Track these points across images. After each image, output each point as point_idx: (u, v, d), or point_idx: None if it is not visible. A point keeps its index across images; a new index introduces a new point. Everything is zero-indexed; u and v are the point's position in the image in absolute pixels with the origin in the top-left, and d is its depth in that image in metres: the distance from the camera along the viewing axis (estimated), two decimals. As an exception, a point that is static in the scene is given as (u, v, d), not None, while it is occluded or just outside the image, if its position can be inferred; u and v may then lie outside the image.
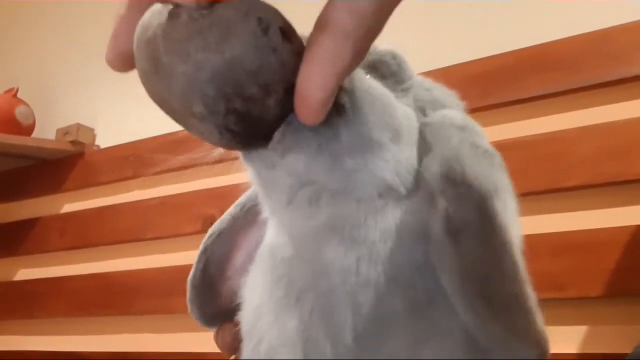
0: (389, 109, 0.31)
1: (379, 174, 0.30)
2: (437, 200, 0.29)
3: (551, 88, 0.89)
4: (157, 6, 0.25)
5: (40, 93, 1.57)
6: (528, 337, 0.27)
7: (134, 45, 0.26)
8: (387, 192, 0.31)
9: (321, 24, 0.24)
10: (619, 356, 0.70)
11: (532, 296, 0.28)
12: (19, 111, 1.44)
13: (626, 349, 0.63)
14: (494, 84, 0.92)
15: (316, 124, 0.25)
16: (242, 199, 0.42)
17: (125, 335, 1.28)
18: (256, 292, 0.35)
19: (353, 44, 0.23)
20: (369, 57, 0.33)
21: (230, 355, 0.39)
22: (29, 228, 1.46)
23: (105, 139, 1.46)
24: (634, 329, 0.77)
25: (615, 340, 0.79)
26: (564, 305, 0.81)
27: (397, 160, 0.31)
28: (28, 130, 1.46)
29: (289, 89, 0.25)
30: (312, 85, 0.24)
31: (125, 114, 1.40)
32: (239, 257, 0.41)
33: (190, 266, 0.42)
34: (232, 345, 0.39)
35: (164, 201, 1.27)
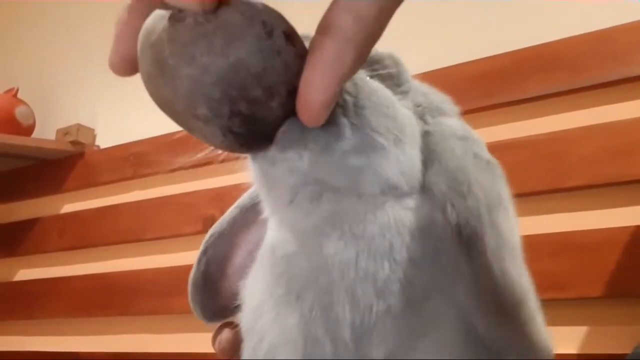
0: (392, 109, 0.31)
1: (383, 174, 0.30)
2: (447, 213, 0.30)
3: (552, 88, 0.89)
4: (159, 11, 0.25)
5: (41, 93, 1.57)
6: (533, 344, 0.28)
7: (138, 49, 0.26)
8: (390, 190, 0.31)
9: (324, 28, 0.24)
10: (619, 356, 0.70)
11: (536, 304, 0.30)
12: (19, 111, 1.44)
13: (626, 349, 0.64)
14: (494, 84, 0.92)
15: (318, 126, 0.26)
16: (241, 199, 0.42)
17: (125, 335, 1.28)
18: (256, 291, 0.35)
19: (355, 47, 0.24)
20: (368, 60, 0.33)
21: (227, 358, 0.40)
22: (29, 228, 1.46)
23: (105, 139, 1.46)
24: (634, 330, 0.77)
25: (616, 341, 0.79)
26: (564, 306, 0.81)
27: (401, 160, 0.31)
28: (28, 130, 1.46)
29: (292, 91, 0.25)
30: (315, 88, 0.24)
31: (126, 114, 1.40)
32: (239, 257, 0.42)
33: (190, 266, 0.42)
34: (229, 349, 0.39)
35: (164, 201, 1.27)
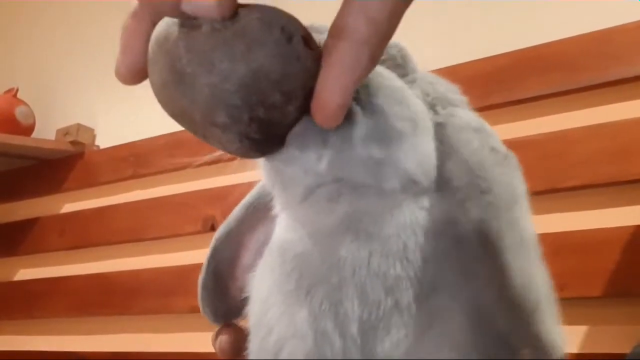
0: (405, 99, 0.31)
1: (401, 165, 0.30)
2: (468, 209, 0.30)
3: (551, 88, 0.89)
4: (169, 18, 0.25)
5: (40, 93, 1.57)
6: (546, 343, 0.29)
7: (150, 58, 0.25)
8: (410, 185, 0.31)
9: (338, 31, 0.24)
10: (619, 356, 0.70)
11: (552, 302, 0.31)
12: (19, 111, 1.44)
13: (626, 348, 0.64)
14: (494, 84, 0.92)
15: (333, 127, 0.26)
16: (247, 198, 0.42)
17: (125, 335, 1.28)
18: (264, 286, 0.35)
19: (369, 50, 0.24)
20: None
21: (227, 359, 0.40)
22: (29, 228, 1.46)
23: (105, 139, 1.46)
24: (634, 329, 0.77)
25: (615, 340, 0.79)
26: (563, 305, 0.80)
27: (418, 151, 0.31)
28: (28, 130, 1.46)
29: (308, 94, 0.25)
30: (331, 91, 0.25)
31: (125, 114, 1.40)
32: (247, 257, 0.41)
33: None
34: (229, 350, 0.39)
35: (163, 201, 1.27)
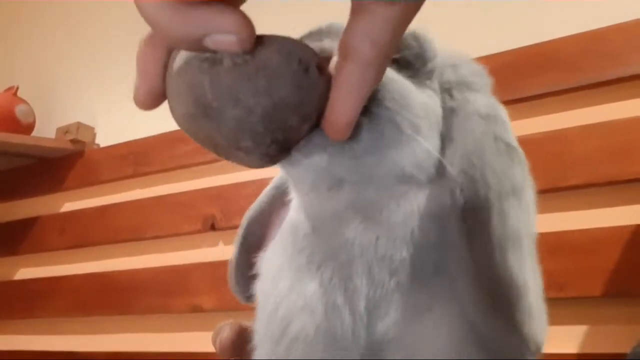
0: (408, 99, 0.32)
1: (396, 167, 0.32)
2: (455, 196, 0.30)
3: (549, 87, 0.89)
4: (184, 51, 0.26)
5: (41, 92, 1.57)
6: (522, 342, 0.29)
7: (170, 88, 0.26)
8: (408, 180, 0.32)
9: (345, 52, 0.26)
10: (619, 356, 0.70)
11: (538, 300, 0.30)
12: (19, 110, 1.44)
13: (625, 348, 0.64)
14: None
15: (343, 140, 0.28)
16: (276, 179, 0.43)
17: (125, 334, 1.28)
18: (275, 263, 0.36)
19: (374, 70, 0.26)
20: None
21: (227, 357, 0.40)
22: (29, 227, 1.46)
23: (105, 138, 1.46)
24: (634, 329, 0.77)
25: (615, 340, 0.79)
26: (563, 305, 0.81)
27: (416, 154, 0.32)
28: (28, 128, 1.46)
29: (321, 113, 0.27)
30: (341, 111, 0.27)
31: (125, 112, 1.40)
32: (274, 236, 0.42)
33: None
34: (229, 348, 0.39)
35: (163, 200, 1.27)
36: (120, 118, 1.43)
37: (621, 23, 0.85)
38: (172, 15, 0.23)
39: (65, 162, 1.45)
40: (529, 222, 0.32)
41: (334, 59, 0.27)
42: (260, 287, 0.37)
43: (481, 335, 0.30)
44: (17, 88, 1.47)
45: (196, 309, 1.13)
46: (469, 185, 0.30)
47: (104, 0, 1.39)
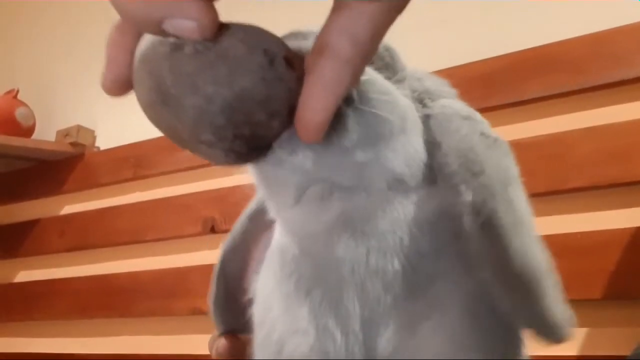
0: (393, 98, 0.31)
1: (389, 166, 0.30)
2: (462, 193, 0.30)
3: (552, 90, 0.89)
4: (151, 36, 0.25)
5: (41, 94, 1.57)
6: (549, 320, 0.30)
7: (135, 75, 0.26)
8: (396, 184, 0.31)
9: (321, 49, 0.24)
10: (619, 358, 0.70)
11: (553, 279, 0.31)
12: (19, 112, 1.44)
13: (626, 351, 0.63)
14: (495, 86, 0.92)
15: (316, 142, 0.26)
16: (249, 208, 0.42)
17: (125, 337, 1.28)
18: (267, 287, 0.36)
19: (352, 69, 0.24)
20: None
21: None
22: (29, 229, 1.46)
23: (105, 141, 1.46)
24: (634, 331, 0.77)
25: (616, 342, 0.79)
26: (564, 307, 0.81)
27: (406, 151, 0.31)
28: (28, 131, 1.46)
29: (292, 109, 0.26)
30: (313, 110, 0.25)
31: (126, 115, 1.39)
32: (254, 268, 0.41)
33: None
34: (225, 355, 0.40)
35: (164, 203, 1.27)
36: (120, 121, 1.43)
37: (625, 25, 0.85)
38: None
39: (65, 164, 1.45)
40: (527, 207, 0.32)
41: (309, 56, 0.25)
42: (255, 311, 0.37)
43: (506, 328, 0.30)
44: (18, 91, 1.47)
45: (196, 312, 1.13)
46: (473, 179, 0.30)
47: (104, 0, 1.39)
